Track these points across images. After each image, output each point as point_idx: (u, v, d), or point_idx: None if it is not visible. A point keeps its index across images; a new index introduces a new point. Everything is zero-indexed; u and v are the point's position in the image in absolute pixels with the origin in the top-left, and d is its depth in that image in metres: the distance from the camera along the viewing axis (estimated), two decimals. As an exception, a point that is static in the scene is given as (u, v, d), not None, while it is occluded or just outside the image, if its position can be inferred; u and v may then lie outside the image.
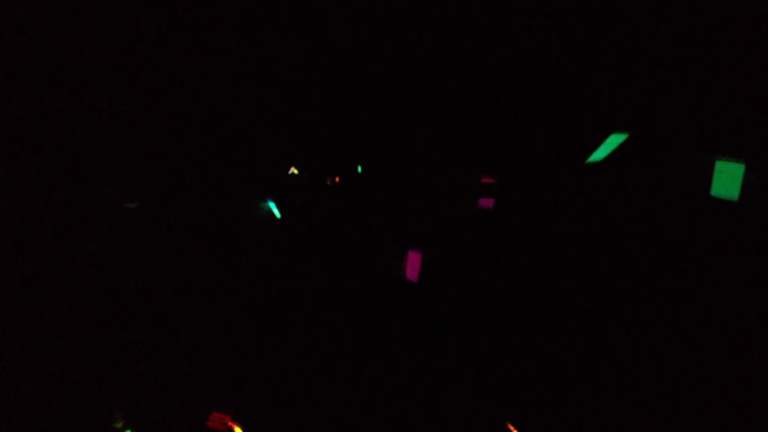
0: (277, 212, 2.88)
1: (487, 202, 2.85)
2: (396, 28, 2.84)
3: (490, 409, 2.68)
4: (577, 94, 2.84)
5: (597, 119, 2.84)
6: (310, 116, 2.91)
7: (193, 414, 2.67)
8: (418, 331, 2.77)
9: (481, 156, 2.88)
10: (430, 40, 2.84)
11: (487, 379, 2.70)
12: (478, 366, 2.72)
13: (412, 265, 2.79)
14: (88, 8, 2.77)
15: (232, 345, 2.77)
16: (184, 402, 2.68)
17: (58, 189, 2.77)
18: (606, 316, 2.74)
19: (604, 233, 2.80)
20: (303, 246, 2.87)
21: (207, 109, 2.89)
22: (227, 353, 2.76)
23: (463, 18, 2.81)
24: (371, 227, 2.86)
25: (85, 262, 2.75)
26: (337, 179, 2.91)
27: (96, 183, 2.83)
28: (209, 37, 2.86)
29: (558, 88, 2.83)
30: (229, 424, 2.65)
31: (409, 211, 2.87)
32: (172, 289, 2.80)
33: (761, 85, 2.72)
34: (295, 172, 2.91)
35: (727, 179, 2.70)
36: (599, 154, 2.81)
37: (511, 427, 2.64)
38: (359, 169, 2.92)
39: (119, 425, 2.64)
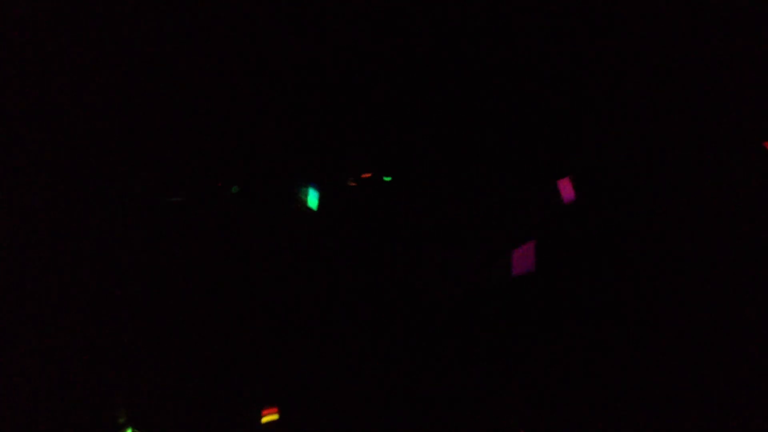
0: (314, 203, 2.85)
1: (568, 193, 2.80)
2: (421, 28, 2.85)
3: (490, 409, 2.68)
4: (577, 95, 2.84)
5: (597, 120, 2.85)
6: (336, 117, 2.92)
7: (195, 414, 2.67)
8: (420, 331, 2.77)
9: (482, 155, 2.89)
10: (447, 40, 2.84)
11: (487, 380, 2.71)
12: (479, 366, 2.72)
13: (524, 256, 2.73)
14: (88, 8, 2.78)
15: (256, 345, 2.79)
16: (184, 402, 2.69)
17: (60, 188, 2.78)
18: (606, 317, 2.75)
19: (604, 233, 2.80)
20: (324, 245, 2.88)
21: (219, 105, 2.91)
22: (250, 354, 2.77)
23: (470, 19, 2.81)
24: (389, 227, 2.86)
25: (89, 261, 2.76)
26: (363, 176, 2.92)
27: (103, 181, 2.84)
28: (231, 35, 2.87)
29: (559, 88, 2.83)
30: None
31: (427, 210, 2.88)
32: (193, 287, 2.82)
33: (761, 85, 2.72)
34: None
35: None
36: None
37: None
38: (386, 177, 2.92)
39: (121, 421, 2.64)
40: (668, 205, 2.79)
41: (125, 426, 2.65)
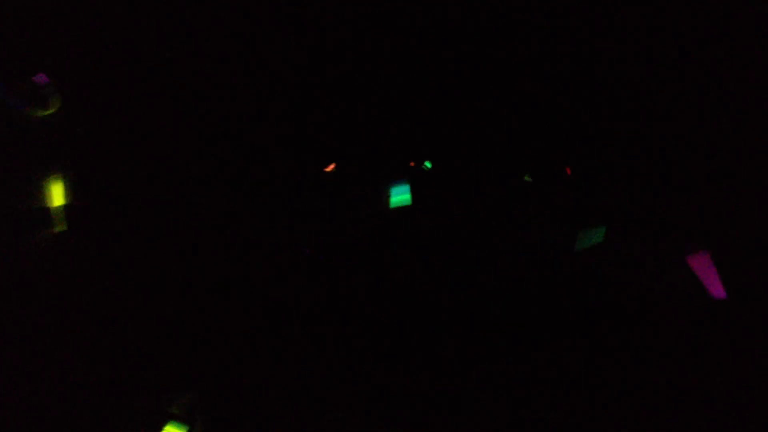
0: (408, 198, 2.82)
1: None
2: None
3: (490, 409, 2.68)
4: (577, 96, 2.84)
5: (597, 121, 2.85)
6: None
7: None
8: (420, 331, 2.77)
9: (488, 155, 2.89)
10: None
11: (488, 380, 2.71)
12: (479, 366, 2.73)
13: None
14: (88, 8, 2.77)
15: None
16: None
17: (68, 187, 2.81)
18: (605, 317, 2.76)
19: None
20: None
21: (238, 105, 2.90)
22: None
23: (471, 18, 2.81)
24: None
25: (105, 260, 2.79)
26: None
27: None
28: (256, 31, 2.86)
29: (560, 89, 2.83)
30: None
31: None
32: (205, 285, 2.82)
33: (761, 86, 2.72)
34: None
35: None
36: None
37: None
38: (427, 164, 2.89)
39: (175, 411, 2.61)
40: (667, 205, 2.80)
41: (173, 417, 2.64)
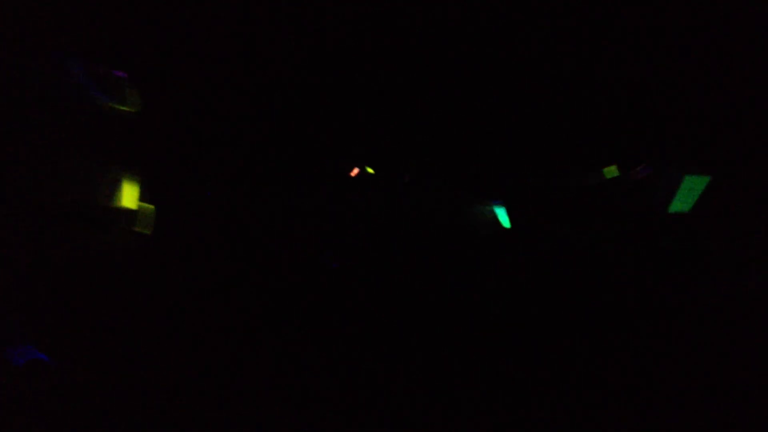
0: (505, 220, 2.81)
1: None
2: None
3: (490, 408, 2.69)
4: (578, 96, 2.84)
5: (598, 122, 2.85)
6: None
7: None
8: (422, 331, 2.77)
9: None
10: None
11: (488, 380, 2.71)
12: (479, 366, 2.73)
13: None
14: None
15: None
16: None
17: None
18: (605, 317, 2.76)
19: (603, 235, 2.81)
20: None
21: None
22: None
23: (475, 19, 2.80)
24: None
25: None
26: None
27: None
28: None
29: (561, 90, 2.83)
30: None
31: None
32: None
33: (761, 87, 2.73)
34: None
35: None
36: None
37: None
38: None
39: None
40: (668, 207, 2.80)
41: None
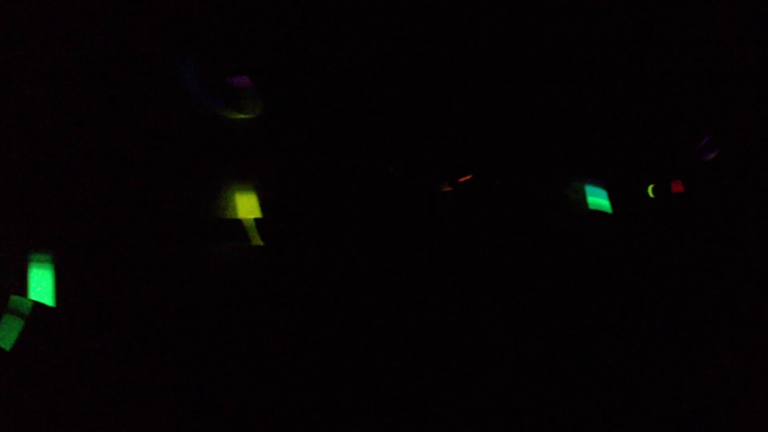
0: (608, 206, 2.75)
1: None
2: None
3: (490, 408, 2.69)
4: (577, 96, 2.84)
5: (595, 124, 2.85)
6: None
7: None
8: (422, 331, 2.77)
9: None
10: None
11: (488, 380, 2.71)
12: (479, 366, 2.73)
13: None
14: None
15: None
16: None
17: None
18: (604, 317, 2.76)
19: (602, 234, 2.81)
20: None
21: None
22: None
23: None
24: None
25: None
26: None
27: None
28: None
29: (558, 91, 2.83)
30: None
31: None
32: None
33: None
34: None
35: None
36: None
37: None
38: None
39: None
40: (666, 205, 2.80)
41: None
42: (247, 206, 2.70)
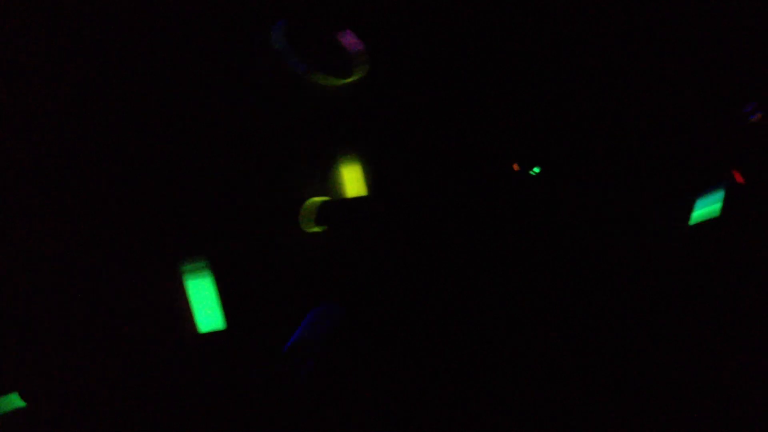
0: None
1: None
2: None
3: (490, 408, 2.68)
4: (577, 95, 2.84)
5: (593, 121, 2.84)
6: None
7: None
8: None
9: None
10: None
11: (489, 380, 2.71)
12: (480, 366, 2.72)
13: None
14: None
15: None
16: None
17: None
18: (604, 317, 2.76)
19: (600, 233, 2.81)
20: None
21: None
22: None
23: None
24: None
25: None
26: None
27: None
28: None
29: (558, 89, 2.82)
30: None
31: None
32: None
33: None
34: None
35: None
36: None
37: None
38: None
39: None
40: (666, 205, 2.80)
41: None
42: (353, 182, 2.39)
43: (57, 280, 2.32)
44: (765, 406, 2.58)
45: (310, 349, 2.28)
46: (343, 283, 2.48)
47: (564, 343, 2.73)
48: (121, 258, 2.33)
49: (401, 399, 2.66)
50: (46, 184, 2.30)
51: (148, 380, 2.33)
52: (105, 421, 2.36)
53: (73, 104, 2.32)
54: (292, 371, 2.21)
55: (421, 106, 2.49)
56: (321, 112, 2.35)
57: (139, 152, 2.36)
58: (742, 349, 2.66)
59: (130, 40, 2.34)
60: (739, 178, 2.70)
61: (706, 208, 2.60)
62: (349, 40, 2.26)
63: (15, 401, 2.34)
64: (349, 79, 2.29)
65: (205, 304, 2.28)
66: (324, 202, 2.32)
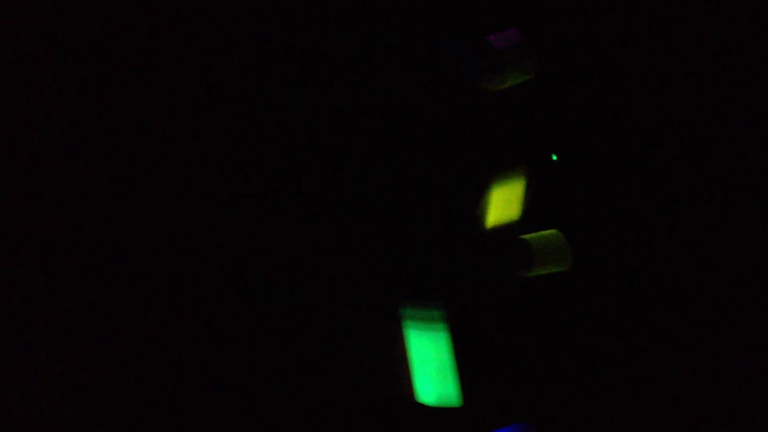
0: None
1: None
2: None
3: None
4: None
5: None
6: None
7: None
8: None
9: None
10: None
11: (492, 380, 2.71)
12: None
13: None
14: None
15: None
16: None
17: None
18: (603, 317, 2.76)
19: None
20: None
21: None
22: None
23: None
24: None
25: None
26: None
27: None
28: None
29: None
30: None
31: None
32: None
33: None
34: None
35: None
36: None
37: None
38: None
39: None
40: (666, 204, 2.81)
41: None
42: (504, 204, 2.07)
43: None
44: (765, 406, 2.59)
45: None
46: None
47: (564, 343, 2.73)
48: (323, 290, 2.05)
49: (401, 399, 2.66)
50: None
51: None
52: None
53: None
54: None
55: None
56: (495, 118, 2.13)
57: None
58: (742, 349, 2.67)
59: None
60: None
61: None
62: (515, 37, 2.02)
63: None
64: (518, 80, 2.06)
65: (434, 369, 1.87)
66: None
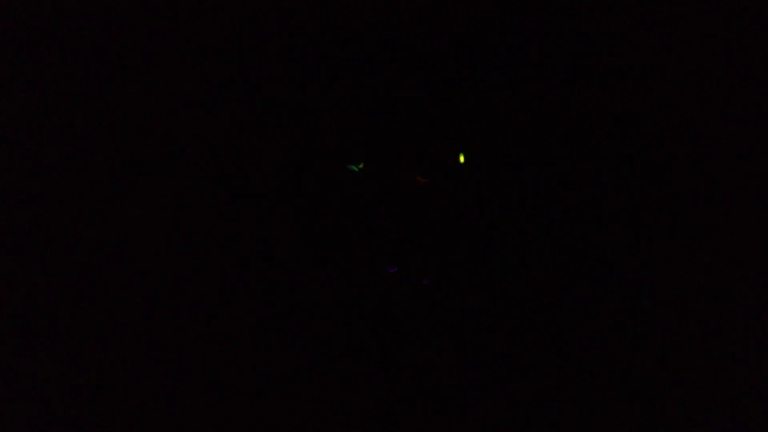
0: None
1: None
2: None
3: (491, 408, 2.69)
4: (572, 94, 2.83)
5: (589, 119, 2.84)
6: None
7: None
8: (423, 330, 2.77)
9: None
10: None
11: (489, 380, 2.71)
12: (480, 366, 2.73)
13: None
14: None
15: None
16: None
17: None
18: (603, 316, 2.76)
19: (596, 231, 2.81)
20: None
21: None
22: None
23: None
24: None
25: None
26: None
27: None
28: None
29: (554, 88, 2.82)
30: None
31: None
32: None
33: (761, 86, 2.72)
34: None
35: None
36: None
37: None
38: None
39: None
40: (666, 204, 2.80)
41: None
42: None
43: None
44: (765, 406, 2.58)
45: None
46: None
47: (563, 344, 2.73)
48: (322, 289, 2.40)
49: (401, 399, 2.67)
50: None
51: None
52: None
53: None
54: None
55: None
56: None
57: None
58: (742, 349, 2.66)
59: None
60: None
61: None
62: None
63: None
64: None
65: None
66: None
